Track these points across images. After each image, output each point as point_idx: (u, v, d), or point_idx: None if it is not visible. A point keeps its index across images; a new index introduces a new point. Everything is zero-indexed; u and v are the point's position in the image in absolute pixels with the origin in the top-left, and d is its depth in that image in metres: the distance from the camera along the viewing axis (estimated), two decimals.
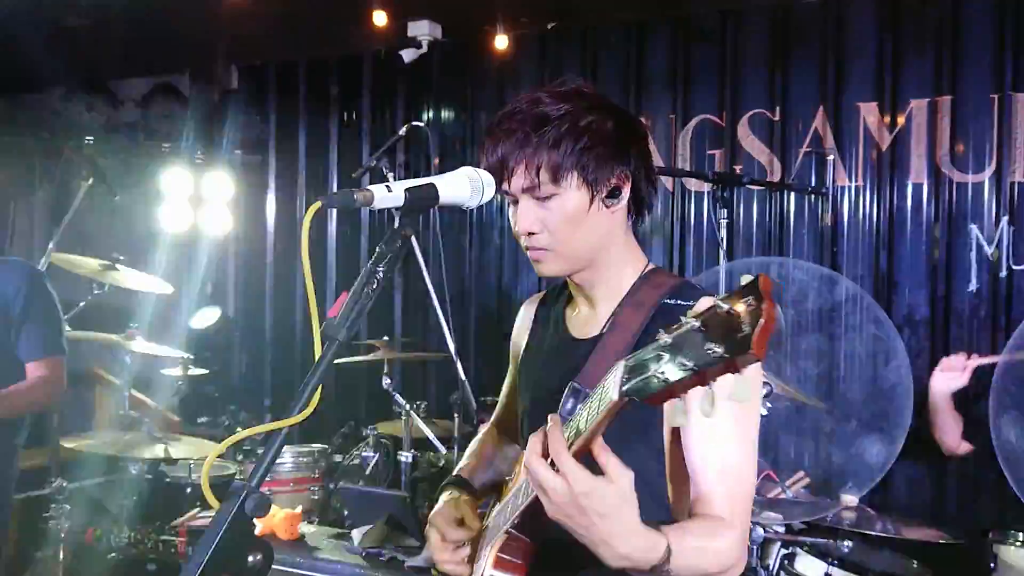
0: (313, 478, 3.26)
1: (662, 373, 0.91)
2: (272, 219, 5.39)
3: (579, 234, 1.38)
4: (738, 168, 4.14)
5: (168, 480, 3.85)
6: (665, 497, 1.37)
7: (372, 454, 3.48)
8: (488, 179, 1.32)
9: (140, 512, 3.73)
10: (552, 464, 1.06)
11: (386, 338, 3.61)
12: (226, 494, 1.04)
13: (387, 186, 1.19)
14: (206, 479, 1.03)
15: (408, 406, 3.29)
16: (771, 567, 2.95)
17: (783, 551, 2.99)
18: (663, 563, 1.11)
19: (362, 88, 5.13)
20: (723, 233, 2.59)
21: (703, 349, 0.86)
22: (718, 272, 2.61)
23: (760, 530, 2.75)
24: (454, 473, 1.66)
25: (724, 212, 2.61)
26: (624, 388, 0.96)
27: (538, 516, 1.27)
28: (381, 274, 1.19)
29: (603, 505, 1.04)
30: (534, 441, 1.09)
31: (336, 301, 1.20)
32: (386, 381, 3.41)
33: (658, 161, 4.33)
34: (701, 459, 1.29)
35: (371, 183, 1.72)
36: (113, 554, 3.55)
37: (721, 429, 1.27)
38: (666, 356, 0.91)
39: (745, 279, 0.87)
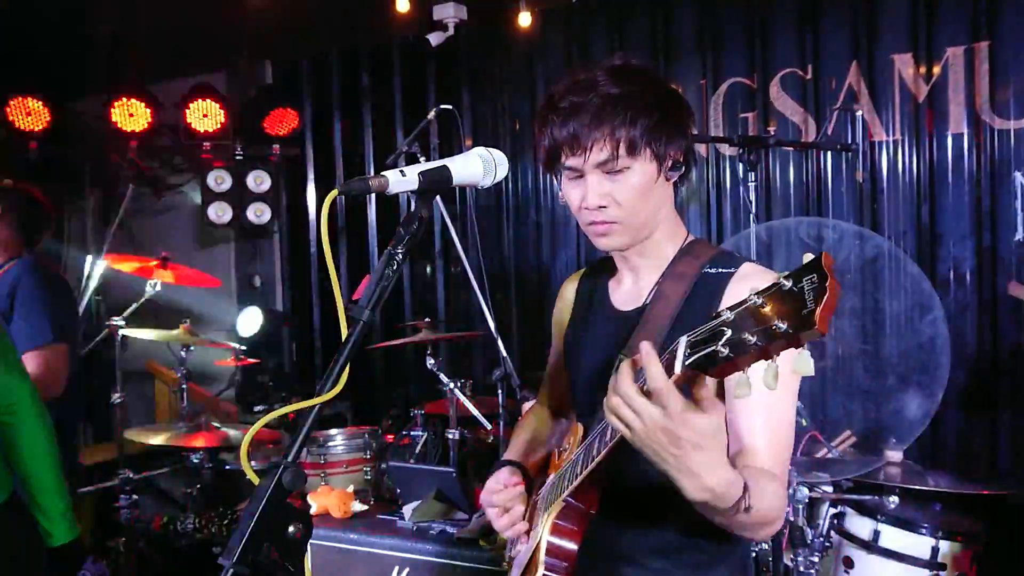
0: (365, 459, 3.34)
1: (725, 348, 0.93)
2: (313, 210, 5.49)
3: (646, 206, 1.44)
4: (771, 129, 4.10)
5: (228, 467, 4.00)
6: None
7: (420, 433, 3.56)
8: (500, 158, 1.35)
9: (203, 499, 3.88)
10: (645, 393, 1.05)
11: (428, 319, 3.67)
12: (265, 471, 1.10)
13: (401, 171, 1.24)
14: (245, 455, 1.09)
15: (453, 385, 3.35)
16: (820, 527, 2.96)
17: (831, 510, 3.00)
18: (742, 498, 1.12)
19: (393, 75, 5.18)
20: (752, 196, 2.58)
21: (768, 325, 0.89)
22: (749, 235, 2.61)
23: (806, 490, 2.76)
24: (505, 457, 1.70)
25: (752, 175, 2.60)
26: (688, 362, 0.99)
27: (595, 485, 1.35)
28: (401, 255, 1.24)
29: (697, 435, 1.04)
30: (625, 370, 1.08)
31: (360, 284, 1.25)
32: (431, 362, 3.47)
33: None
34: (748, 416, 1.32)
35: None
36: (181, 540, 3.71)
37: (760, 390, 1.29)
38: (728, 332, 0.94)
39: (807, 257, 0.90)
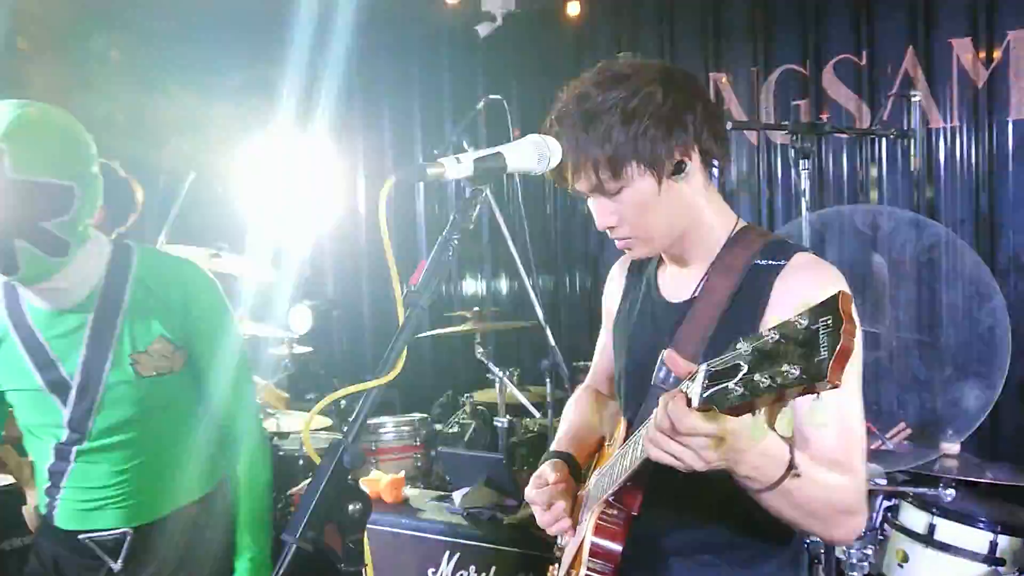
0: (415, 446, 3.40)
1: (740, 386, 0.87)
2: (363, 201, 5.57)
3: (657, 217, 1.36)
4: (824, 117, 4.04)
5: (282, 453, 4.08)
6: None
7: (469, 421, 3.60)
8: (554, 145, 1.35)
9: None
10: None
11: (477, 309, 3.71)
12: (326, 451, 1.13)
13: (456, 158, 1.25)
14: (307, 435, 1.13)
15: (502, 374, 3.38)
16: (874, 519, 2.92)
17: (885, 503, 2.96)
18: (791, 461, 1.10)
19: (442, 66, 5.21)
20: (804, 184, 2.55)
21: (781, 368, 0.82)
22: (801, 223, 2.58)
23: None
24: (555, 444, 1.67)
25: (805, 162, 2.56)
26: (705, 395, 0.93)
27: (637, 487, 1.32)
28: (456, 242, 1.26)
29: (732, 437, 1.01)
30: (662, 407, 1.03)
31: (416, 270, 1.28)
32: (479, 351, 3.50)
33: (740, 115, 4.26)
34: (813, 416, 1.24)
35: None
36: None
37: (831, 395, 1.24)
38: (745, 367, 0.87)
39: (825, 295, 0.83)
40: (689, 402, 0.97)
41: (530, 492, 1.53)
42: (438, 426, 3.92)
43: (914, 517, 2.84)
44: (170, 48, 5.13)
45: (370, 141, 5.52)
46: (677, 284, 1.47)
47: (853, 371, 1.27)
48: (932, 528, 2.76)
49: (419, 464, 3.38)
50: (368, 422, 3.50)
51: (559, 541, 1.60)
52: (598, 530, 1.34)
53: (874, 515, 2.96)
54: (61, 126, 1.67)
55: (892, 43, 3.91)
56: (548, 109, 1.43)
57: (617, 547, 1.33)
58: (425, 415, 3.66)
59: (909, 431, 3.15)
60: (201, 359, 1.90)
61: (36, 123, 1.63)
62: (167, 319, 1.83)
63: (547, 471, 1.55)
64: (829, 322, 0.80)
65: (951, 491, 2.66)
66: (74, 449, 1.84)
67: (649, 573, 1.44)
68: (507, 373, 3.43)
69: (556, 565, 1.59)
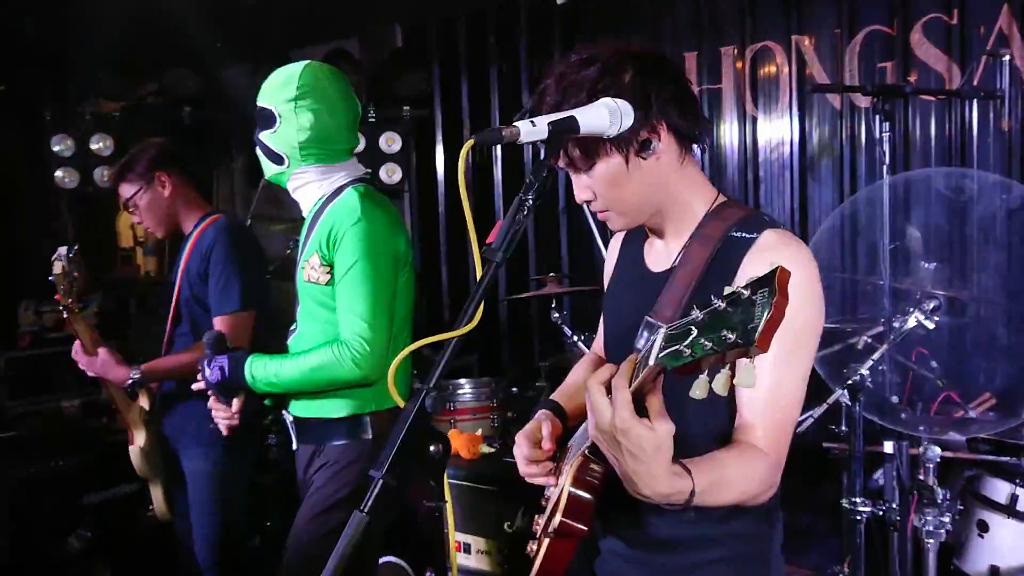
0: (491, 407, 3.50)
1: (688, 348, 0.96)
2: (441, 170, 5.66)
3: (627, 192, 1.45)
4: (912, 79, 3.91)
5: None
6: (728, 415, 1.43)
7: (545, 384, 3.67)
8: (626, 108, 1.39)
9: None
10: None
11: (553, 274, 3.76)
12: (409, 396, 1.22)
13: (532, 121, 1.31)
14: (392, 381, 1.21)
15: (576, 338, 3.43)
16: (955, 489, 2.89)
17: (967, 473, 2.92)
18: (685, 504, 1.19)
19: (519, 36, 5.23)
20: (885, 147, 2.50)
21: (722, 334, 0.92)
22: (882, 186, 2.54)
23: (938, 450, 2.70)
24: (550, 397, 1.79)
25: (886, 125, 2.52)
26: (660, 355, 1.03)
27: None
28: (531, 202, 1.32)
29: (636, 447, 1.11)
30: (603, 369, 1.17)
31: (493, 229, 1.34)
32: (555, 315, 3.57)
33: (823, 79, 4.17)
34: (751, 391, 1.33)
35: None
36: None
37: (766, 365, 1.31)
38: (695, 332, 0.96)
39: (767, 268, 0.92)
40: (631, 381, 1.09)
41: (520, 440, 1.62)
42: (514, 389, 4.01)
43: (996, 487, 2.80)
44: None
45: (447, 111, 5.59)
46: (660, 255, 1.56)
47: (798, 343, 1.36)
48: (1015, 498, 2.72)
49: (495, 425, 3.48)
50: (446, 384, 3.62)
51: (545, 491, 1.68)
52: (576, 481, 1.42)
53: (955, 485, 2.93)
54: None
55: (986, 1, 3.75)
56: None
57: (591, 497, 1.41)
58: (501, 378, 3.75)
59: (993, 401, 3.08)
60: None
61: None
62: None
63: (539, 428, 1.63)
64: (766, 293, 0.88)
65: None
66: None
67: (626, 526, 1.54)
68: (582, 337, 3.48)
69: (540, 514, 1.66)
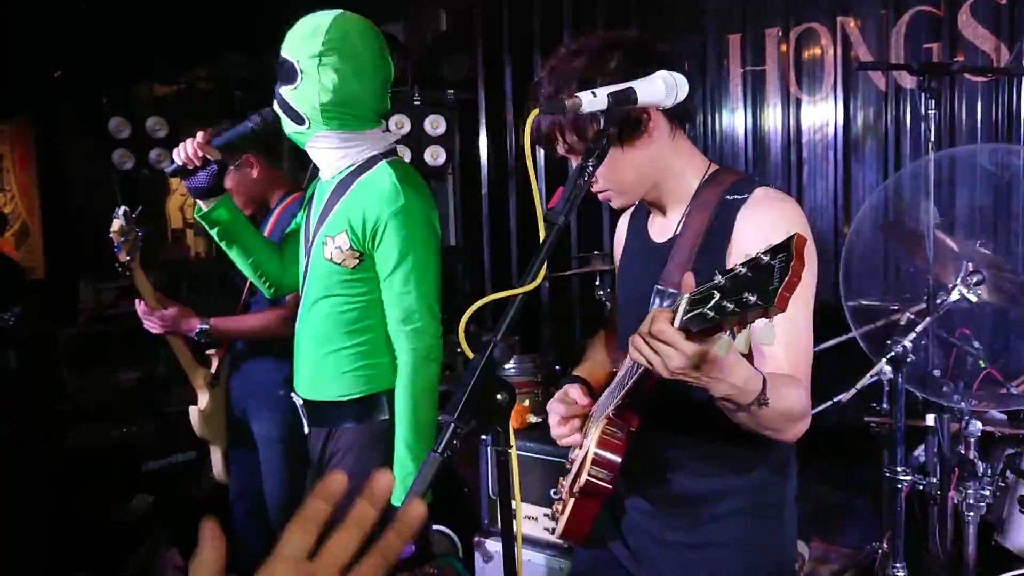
0: (535, 382, 3.58)
1: (711, 311, 1.03)
2: (485, 153, 5.74)
3: (626, 172, 1.55)
4: (959, 59, 3.90)
5: None
6: None
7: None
8: (681, 80, 1.47)
9: None
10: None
11: (596, 252, 3.82)
12: (477, 347, 1.30)
13: (592, 92, 1.38)
14: (463, 334, 1.30)
15: None
16: (996, 466, 2.90)
17: (1009, 450, 2.94)
18: (762, 392, 1.25)
19: (562, 20, 5.28)
20: (931, 125, 2.53)
21: (743, 296, 0.98)
22: (929, 162, 2.57)
23: (978, 423, 2.72)
24: (573, 373, 1.86)
25: (932, 103, 2.54)
26: (685, 318, 1.10)
27: (634, 405, 1.50)
28: (591, 168, 1.40)
29: (709, 363, 1.16)
30: (650, 317, 1.17)
31: (554, 195, 1.43)
32: (599, 292, 3.63)
33: (868, 59, 4.17)
34: (767, 350, 1.42)
35: None
36: None
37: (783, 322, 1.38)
38: (717, 295, 1.03)
39: (778, 225, 1.01)
40: (672, 319, 1.13)
41: (554, 404, 1.71)
42: (557, 367, 4.09)
43: None
44: None
45: (491, 95, 5.66)
46: (662, 226, 1.66)
47: (802, 299, 1.45)
48: None
49: (540, 399, 3.56)
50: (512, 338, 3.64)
51: (570, 454, 1.76)
52: (601, 443, 1.50)
53: (996, 462, 2.94)
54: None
55: None
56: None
57: (617, 458, 1.50)
58: (545, 354, 3.83)
59: None
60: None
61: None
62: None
63: (574, 391, 1.72)
64: (784, 258, 0.96)
65: None
66: None
67: (649, 484, 1.62)
68: None
69: (565, 476, 1.75)
